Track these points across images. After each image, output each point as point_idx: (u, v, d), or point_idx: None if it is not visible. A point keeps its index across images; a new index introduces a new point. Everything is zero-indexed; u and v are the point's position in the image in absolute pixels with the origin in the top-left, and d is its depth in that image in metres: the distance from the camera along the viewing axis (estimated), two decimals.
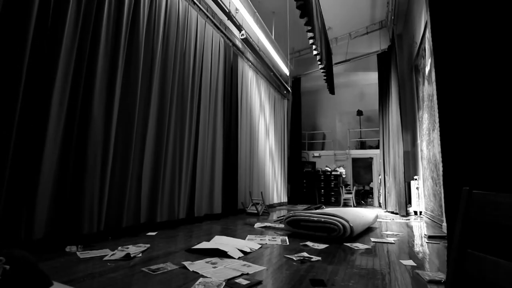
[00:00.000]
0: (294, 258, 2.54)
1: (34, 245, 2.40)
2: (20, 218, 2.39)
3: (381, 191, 8.86)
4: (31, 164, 2.51)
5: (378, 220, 5.69)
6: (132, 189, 3.60)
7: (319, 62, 6.50)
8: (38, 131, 2.57)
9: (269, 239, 3.43)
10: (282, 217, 5.30)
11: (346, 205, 9.97)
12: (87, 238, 2.86)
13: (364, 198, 11.45)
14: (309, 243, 3.20)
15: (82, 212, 2.88)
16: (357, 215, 4.08)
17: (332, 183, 10.66)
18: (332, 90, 8.76)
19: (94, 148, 3.07)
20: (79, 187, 2.90)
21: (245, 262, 2.36)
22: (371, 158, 11.11)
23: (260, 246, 3.04)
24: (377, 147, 10.15)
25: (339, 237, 3.40)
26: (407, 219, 6.29)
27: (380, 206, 9.27)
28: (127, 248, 2.69)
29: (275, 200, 9.15)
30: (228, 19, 5.67)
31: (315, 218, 3.60)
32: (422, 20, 6.01)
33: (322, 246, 3.12)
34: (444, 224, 4.38)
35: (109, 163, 3.24)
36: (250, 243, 3.08)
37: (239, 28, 5.96)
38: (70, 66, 2.87)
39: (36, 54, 2.58)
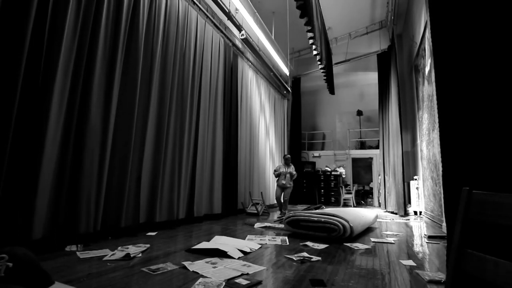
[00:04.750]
0: (294, 258, 2.54)
1: (33, 245, 2.39)
2: (20, 218, 2.39)
3: (381, 191, 8.86)
4: (31, 164, 2.51)
5: (378, 220, 5.69)
6: (131, 189, 3.59)
7: (319, 62, 6.50)
8: (38, 131, 2.57)
9: (269, 239, 3.43)
10: (282, 217, 5.30)
11: (346, 205, 9.97)
12: (86, 238, 2.86)
13: (364, 198, 11.45)
14: (309, 243, 3.20)
15: (80, 212, 2.88)
16: (357, 215, 4.08)
17: (332, 183, 10.65)
18: (332, 90, 8.76)
19: (92, 148, 3.06)
20: (77, 187, 2.90)
21: (245, 262, 2.36)
22: (371, 158, 11.11)
23: (260, 246, 3.04)
24: (377, 147, 10.14)
25: (339, 237, 3.40)
26: (407, 219, 6.29)
27: (380, 206, 9.27)
28: (127, 248, 2.69)
29: (275, 200, 9.14)
30: (228, 19, 5.67)
31: (315, 218, 3.60)
32: (422, 20, 6.01)
33: (322, 246, 3.12)
34: (444, 224, 4.38)
35: (107, 163, 3.24)
36: (250, 243, 3.08)
37: (239, 28, 5.96)
38: (69, 66, 2.87)
39: (35, 54, 2.57)
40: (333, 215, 3.56)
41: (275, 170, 6.38)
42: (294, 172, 6.31)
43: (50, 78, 2.68)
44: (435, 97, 4.48)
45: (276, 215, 6.35)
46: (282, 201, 6.28)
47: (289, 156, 6.44)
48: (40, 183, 2.53)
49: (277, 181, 6.31)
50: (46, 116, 2.62)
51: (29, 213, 2.45)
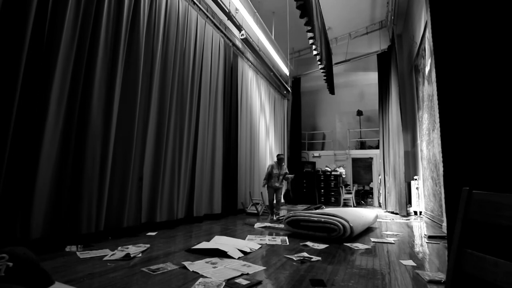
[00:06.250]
0: (294, 258, 2.54)
1: (33, 245, 2.39)
2: (17, 218, 2.38)
3: (381, 191, 8.85)
4: (28, 163, 2.50)
5: (378, 220, 5.69)
6: (133, 189, 3.59)
7: (319, 62, 6.50)
8: (36, 130, 2.57)
9: (269, 239, 3.43)
10: (282, 217, 5.30)
11: (346, 205, 9.97)
12: (86, 238, 2.86)
13: (364, 198, 11.45)
14: (309, 243, 3.20)
15: (80, 212, 2.88)
16: (357, 215, 4.08)
17: (332, 183, 10.65)
18: (332, 90, 8.75)
19: (93, 148, 3.06)
20: (77, 187, 2.90)
21: (245, 262, 2.36)
22: (371, 158, 11.11)
23: (260, 246, 3.04)
24: (377, 147, 10.14)
25: (339, 237, 3.40)
26: (407, 219, 6.29)
27: (380, 206, 9.27)
28: (127, 248, 2.69)
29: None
30: (228, 19, 5.67)
31: (315, 218, 3.60)
32: (422, 20, 6.01)
33: (322, 246, 3.12)
34: (444, 224, 4.38)
35: (109, 164, 3.24)
36: (250, 243, 3.08)
37: (239, 28, 5.96)
38: (69, 66, 2.87)
39: (34, 53, 2.57)
40: (333, 215, 3.56)
41: (268, 168, 5.82)
42: (288, 173, 5.91)
43: (49, 78, 2.68)
44: (435, 97, 4.47)
45: (276, 215, 6.32)
46: (275, 201, 5.87)
47: (282, 156, 5.93)
48: (38, 183, 2.52)
49: (268, 182, 5.79)
50: (44, 114, 2.61)
51: (28, 213, 2.45)
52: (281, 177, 5.82)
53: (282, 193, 6.06)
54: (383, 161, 8.51)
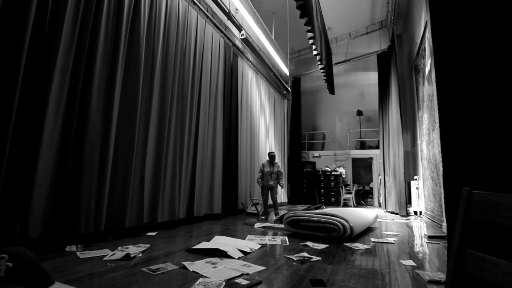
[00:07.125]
0: (294, 258, 2.54)
1: (33, 245, 2.39)
2: (16, 217, 2.38)
3: (381, 191, 8.85)
4: (27, 162, 2.50)
5: (378, 220, 5.69)
6: (135, 190, 3.59)
7: (319, 62, 6.50)
8: (35, 129, 2.56)
9: (269, 239, 3.43)
10: (282, 217, 5.30)
11: (346, 205, 9.97)
12: (86, 238, 2.86)
13: (364, 198, 11.45)
14: (309, 243, 3.20)
15: (79, 212, 2.88)
16: (357, 215, 4.08)
17: (332, 183, 10.65)
18: (332, 90, 8.75)
19: (92, 149, 3.05)
20: (76, 187, 2.89)
21: (245, 262, 2.36)
22: (371, 158, 11.11)
23: (260, 246, 3.04)
24: (377, 147, 10.14)
25: (339, 237, 3.40)
26: (407, 219, 6.29)
27: (380, 206, 9.27)
28: (127, 248, 2.69)
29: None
30: (228, 19, 5.67)
31: (315, 218, 3.60)
32: (422, 20, 6.01)
33: (322, 246, 3.12)
34: (444, 224, 4.38)
35: (109, 164, 3.24)
36: (250, 243, 3.08)
37: (239, 28, 5.96)
38: (68, 65, 2.87)
39: (34, 52, 2.57)
40: (333, 215, 3.56)
41: (260, 168, 5.87)
42: (281, 171, 5.90)
43: (49, 76, 2.68)
44: (435, 97, 4.48)
45: (276, 215, 6.32)
46: (272, 201, 5.89)
47: (274, 153, 5.91)
48: (37, 182, 2.52)
49: (262, 181, 5.80)
50: (43, 112, 2.61)
51: (27, 212, 2.44)
52: (273, 175, 5.79)
53: (278, 193, 6.10)
54: (383, 161, 8.51)
